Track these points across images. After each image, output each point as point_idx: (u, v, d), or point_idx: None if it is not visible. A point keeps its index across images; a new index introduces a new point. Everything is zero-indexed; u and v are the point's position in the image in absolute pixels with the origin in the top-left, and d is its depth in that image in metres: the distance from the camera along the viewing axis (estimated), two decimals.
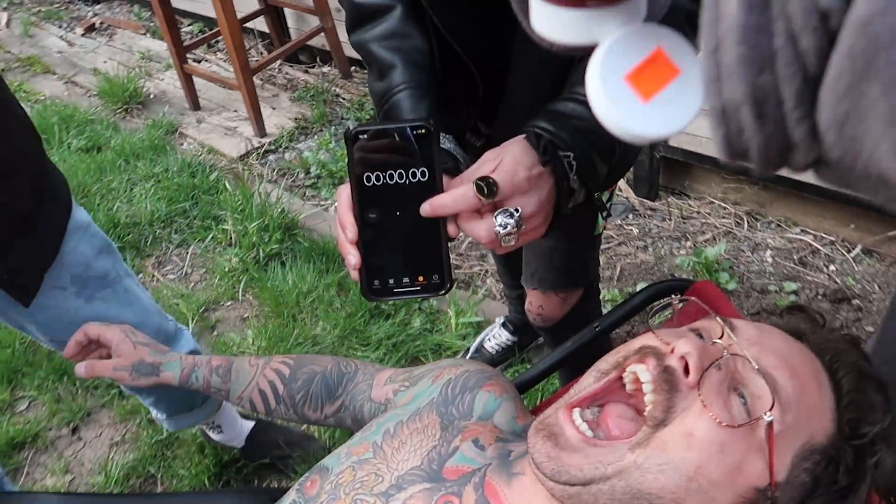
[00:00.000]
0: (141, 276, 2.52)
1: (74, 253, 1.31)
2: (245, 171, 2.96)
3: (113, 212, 2.70)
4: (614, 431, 0.72)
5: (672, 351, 0.70)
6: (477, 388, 0.92)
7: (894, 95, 0.27)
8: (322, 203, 2.80)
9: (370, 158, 0.77)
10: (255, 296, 2.39)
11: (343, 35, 3.28)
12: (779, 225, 2.48)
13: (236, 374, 1.13)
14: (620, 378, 0.74)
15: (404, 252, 0.79)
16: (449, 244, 0.79)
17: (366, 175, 0.78)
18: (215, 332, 2.30)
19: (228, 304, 2.40)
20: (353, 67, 3.42)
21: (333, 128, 3.15)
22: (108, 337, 1.15)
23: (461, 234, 0.78)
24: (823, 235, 2.41)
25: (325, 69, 3.54)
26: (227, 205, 2.67)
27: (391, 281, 0.80)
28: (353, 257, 0.78)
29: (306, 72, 3.57)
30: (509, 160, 0.79)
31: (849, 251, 2.35)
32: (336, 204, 0.83)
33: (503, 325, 2.06)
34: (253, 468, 1.90)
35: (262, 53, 3.69)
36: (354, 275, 0.80)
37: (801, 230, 2.45)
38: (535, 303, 1.44)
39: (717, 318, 0.74)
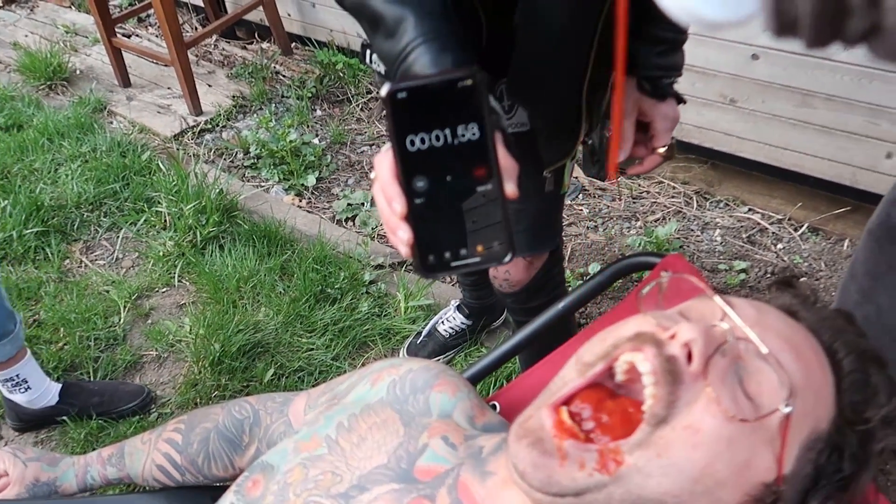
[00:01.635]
0: (68, 261, 2.37)
1: None
2: (180, 151, 2.81)
3: (36, 194, 2.53)
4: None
5: (672, 337, 0.64)
6: (428, 389, 0.85)
7: None
8: (262, 184, 2.68)
9: (413, 119, 0.69)
10: (193, 281, 2.26)
11: (283, 9, 3.15)
12: (727, 204, 2.48)
13: (130, 458, 1.07)
14: (610, 369, 0.67)
15: (459, 220, 0.71)
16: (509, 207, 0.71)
17: (409, 139, 0.69)
18: (150, 321, 2.17)
19: (164, 290, 2.26)
20: (293, 44, 3.28)
21: (273, 105, 3.02)
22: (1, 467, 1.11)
23: None
24: (771, 214, 2.42)
25: (265, 45, 3.40)
26: (161, 186, 2.53)
27: (447, 254, 0.71)
28: (404, 232, 0.70)
29: (244, 48, 3.42)
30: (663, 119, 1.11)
31: (796, 230, 2.36)
32: (374, 175, 0.76)
33: (458, 308, 1.99)
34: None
35: (196, 29, 3.52)
36: (406, 251, 0.72)
37: (750, 209, 2.45)
38: (502, 269, 1.39)
39: (717, 298, 0.68)
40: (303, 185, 2.65)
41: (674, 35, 1.08)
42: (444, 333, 2.00)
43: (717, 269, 2.26)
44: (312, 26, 3.15)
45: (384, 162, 0.72)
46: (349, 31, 3.03)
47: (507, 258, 0.71)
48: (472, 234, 0.71)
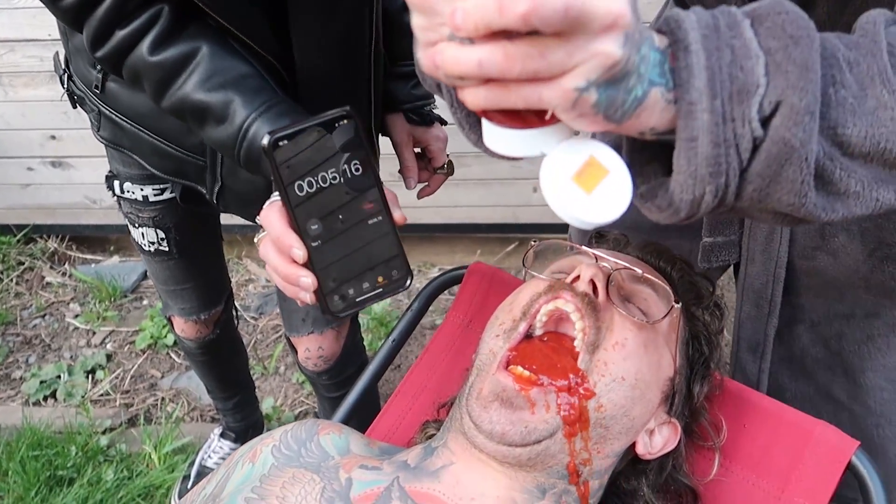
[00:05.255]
0: None
1: None
2: None
3: None
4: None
5: (576, 279, 0.76)
6: (314, 437, 0.85)
7: (798, 170, 0.50)
8: None
9: (297, 165, 0.70)
10: None
11: None
12: (420, 270, 2.73)
13: None
14: (530, 326, 0.76)
15: (357, 256, 0.74)
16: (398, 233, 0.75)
17: (296, 184, 0.71)
18: None
19: None
20: None
21: None
22: None
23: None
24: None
25: None
26: None
27: (351, 291, 0.74)
28: (307, 279, 0.71)
29: None
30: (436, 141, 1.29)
31: None
32: (259, 237, 0.75)
33: (222, 435, 1.88)
34: None
35: None
36: (310, 297, 0.72)
37: (439, 268, 2.73)
38: (314, 346, 1.38)
39: (584, 248, 0.82)
40: None
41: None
42: (214, 467, 1.87)
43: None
44: None
45: (272, 215, 0.74)
46: None
47: (408, 282, 0.77)
48: (370, 267, 0.75)
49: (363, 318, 2.43)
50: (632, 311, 0.76)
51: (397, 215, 0.75)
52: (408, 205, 2.62)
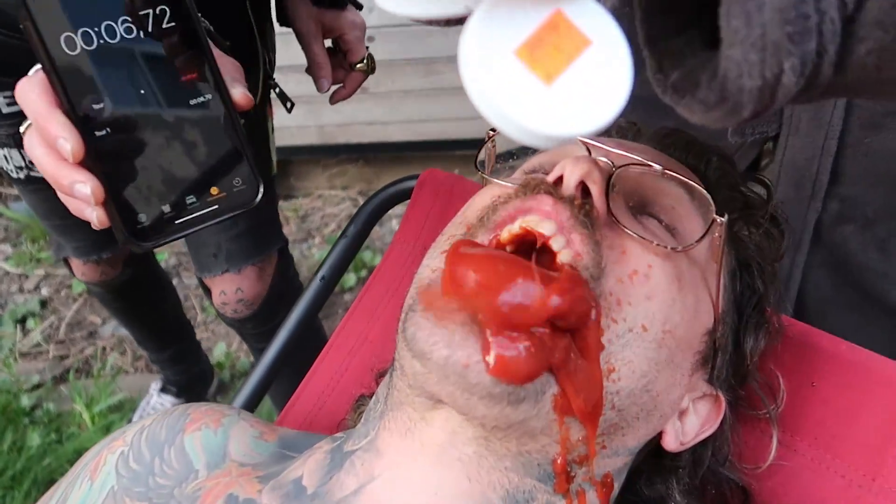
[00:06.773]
0: None
1: None
2: None
3: None
4: None
5: (559, 181, 0.47)
6: (177, 437, 0.59)
7: None
8: None
9: (68, 9, 0.43)
10: None
11: None
12: None
13: None
14: (495, 239, 0.48)
15: (174, 156, 0.47)
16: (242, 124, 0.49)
17: (64, 38, 0.43)
18: None
19: None
20: None
21: None
22: None
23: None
24: None
25: None
26: None
27: (166, 209, 0.48)
28: (84, 186, 0.45)
29: None
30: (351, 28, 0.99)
31: None
32: (24, 127, 0.49)
33: (162, 390, 1.64)
34: None
35: None
36: (98, 214, 0.46)
37: None
38: (231, 289, 1.13)
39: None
40: None
41: None
42: None
43: None
44: None
45: (31, 91, 0.46)
46: None
47: (258, 197, 0.51)
48: (197, 173, 0.49)
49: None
50: (651, 231, 0.49)
51: (237, 95, 0.48)
52: (375, 120, 2.27)
